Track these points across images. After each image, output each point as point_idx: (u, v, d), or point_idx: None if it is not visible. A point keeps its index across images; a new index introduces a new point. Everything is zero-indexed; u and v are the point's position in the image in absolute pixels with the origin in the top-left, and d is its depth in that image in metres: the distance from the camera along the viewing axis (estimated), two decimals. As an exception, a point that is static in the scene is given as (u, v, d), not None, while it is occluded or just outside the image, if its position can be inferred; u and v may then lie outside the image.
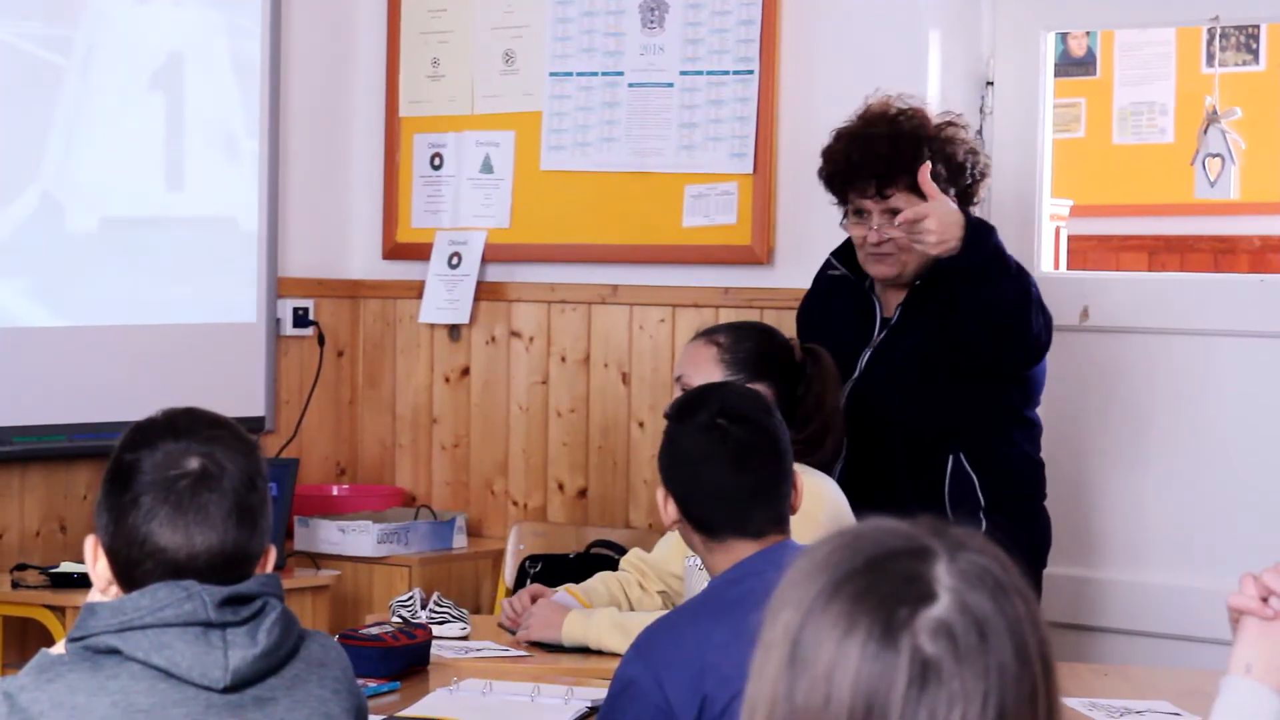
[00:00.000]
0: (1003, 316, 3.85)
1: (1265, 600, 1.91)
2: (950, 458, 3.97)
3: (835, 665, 1.40)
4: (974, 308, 3.84)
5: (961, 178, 4.02)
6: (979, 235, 3.86)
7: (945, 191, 3.93)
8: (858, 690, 1.39)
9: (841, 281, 4.16)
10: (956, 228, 3.82)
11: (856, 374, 4.03)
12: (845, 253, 4.16)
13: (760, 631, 1.45)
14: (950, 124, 4.06)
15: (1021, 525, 4.00)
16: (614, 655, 3.46)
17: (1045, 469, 4.14)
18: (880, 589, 1.41)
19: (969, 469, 3.97)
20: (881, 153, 3.99)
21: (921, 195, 3.89)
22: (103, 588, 2.27)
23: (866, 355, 4.04)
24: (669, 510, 2.92)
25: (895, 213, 3.93)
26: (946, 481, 3.97)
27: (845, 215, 4.07)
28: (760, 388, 3.42)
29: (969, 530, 1.47)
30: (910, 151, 3.96)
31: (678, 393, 3.57)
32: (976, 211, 4.08)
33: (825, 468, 3.77)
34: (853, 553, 1.44)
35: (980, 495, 3.97)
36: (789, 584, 1.45)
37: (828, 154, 4.11)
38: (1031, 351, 3.96)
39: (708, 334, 3.78)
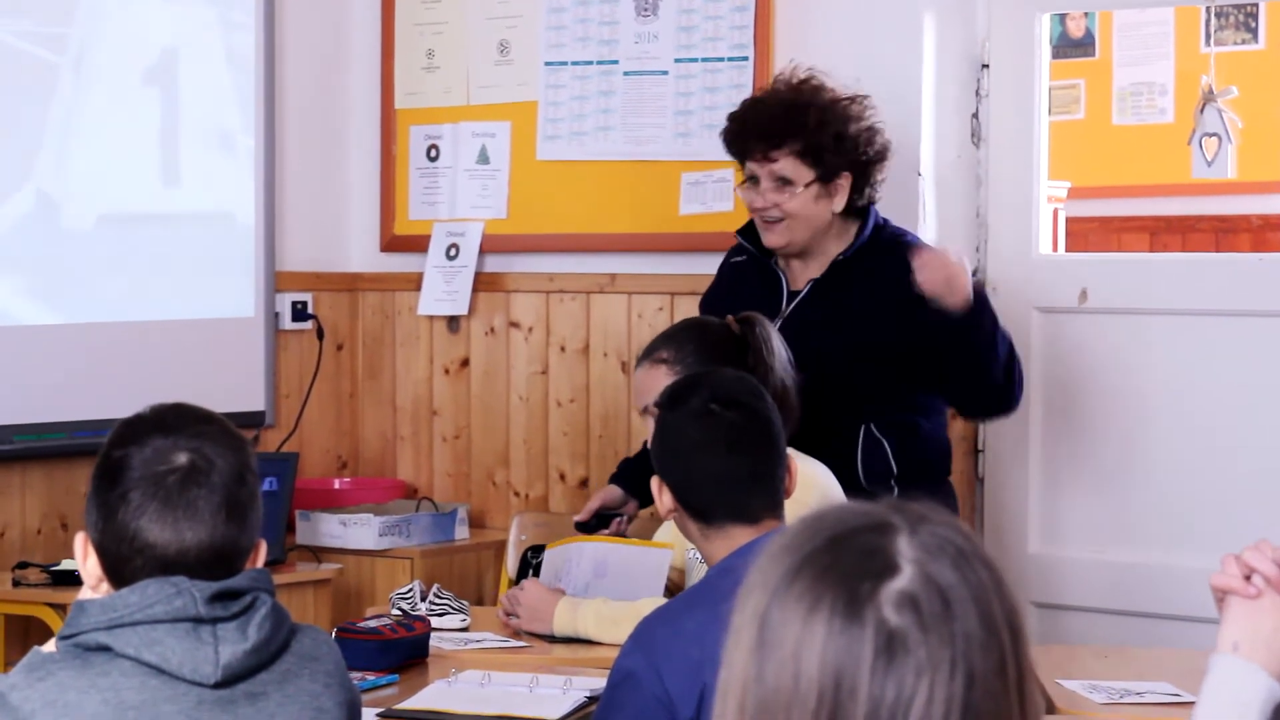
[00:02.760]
0: (986, 373, 3.96)
1: (1248, 578, 1.92)
2: (861, 427, 4.00)
3: (802, 643, 1.40)
4: (961, 357, 3.93)
5: (849, 153, 4.04)
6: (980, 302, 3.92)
7: (825, 162, 4.01)
8: (825, 667, 1.39)
9: (745, 265, 4.21)
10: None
11: None
12: (750, 230, 4.22)
13: (732, 619, 1.46)
14: (854, 101, 4.10)
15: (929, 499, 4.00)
16: (602, 645, 3.47)
17: (951, 448, 4.21)
18: (842, 565, 1.42)
19: (880, 437, 4.00)
20: (771, 114, 4.07)
21: (809, 160, 3.99)
22: (93, 585, 2.26)
23: (776, 325, 4.07)
24: (664, 499, 2.91)
25: (783, 179, 4.02)
26: (859, 450, 3.99)
27: (743, 184, 4.15)
28: None
29: (930, 504, 1.47)
30: (800, 116, 4.03)
31: (650, 424, 3.54)
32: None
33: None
34: (814, 533, 1.45)
35: (893, 465, 4.01)
36: (756, 569, 1.46)
37: (728, 119, 4.20)
38: (1001, 402, 4.06)
39: (649, 357, 3.70)
